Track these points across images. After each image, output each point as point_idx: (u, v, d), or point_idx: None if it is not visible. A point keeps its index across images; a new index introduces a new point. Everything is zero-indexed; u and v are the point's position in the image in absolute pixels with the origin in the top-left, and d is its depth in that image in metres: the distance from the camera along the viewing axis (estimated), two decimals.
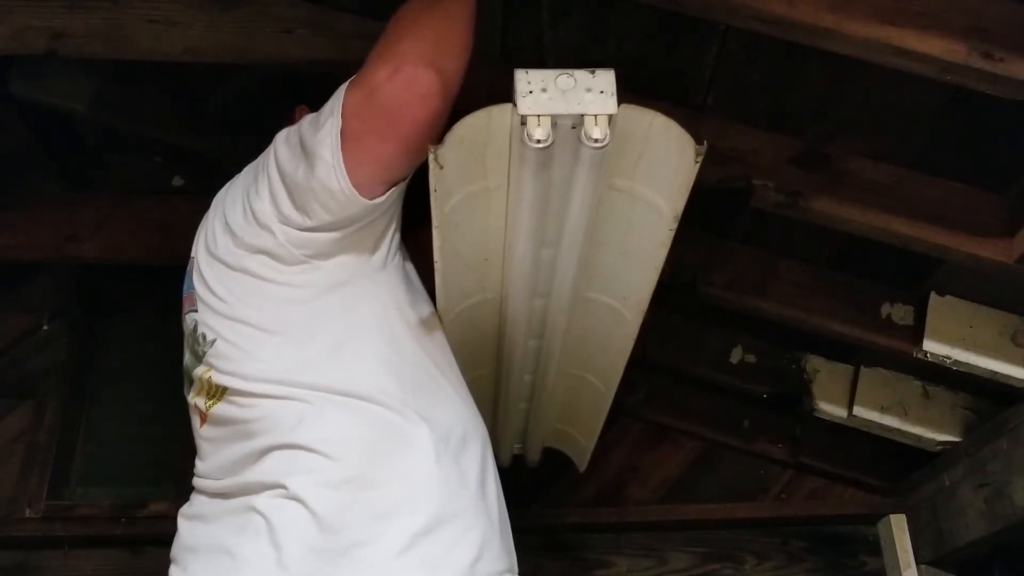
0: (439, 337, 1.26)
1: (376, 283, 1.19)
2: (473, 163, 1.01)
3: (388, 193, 1.11)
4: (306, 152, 1.10)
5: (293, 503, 1.05)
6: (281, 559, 1.02)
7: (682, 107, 1.47)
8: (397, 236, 1.23)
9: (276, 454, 1.09)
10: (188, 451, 1.26)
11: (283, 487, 1.05)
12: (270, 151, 1.17)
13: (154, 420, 2.09)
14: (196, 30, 1.42)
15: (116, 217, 1.91)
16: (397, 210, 1.21)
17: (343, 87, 1.09)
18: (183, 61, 1.45)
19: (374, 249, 1.19)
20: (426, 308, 1.26)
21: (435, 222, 1.06)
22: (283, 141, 1.16)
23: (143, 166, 2.08)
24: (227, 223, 1.19)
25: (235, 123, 1.82)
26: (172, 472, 1.93)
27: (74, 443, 2.17)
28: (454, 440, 1.15)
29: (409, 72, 1.04)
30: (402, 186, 1.14)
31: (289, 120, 1.25)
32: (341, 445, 1.08)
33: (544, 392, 1.55)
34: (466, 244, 1.16)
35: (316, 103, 1.15)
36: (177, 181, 2.07)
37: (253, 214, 1.15)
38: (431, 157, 0.96)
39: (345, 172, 1.07)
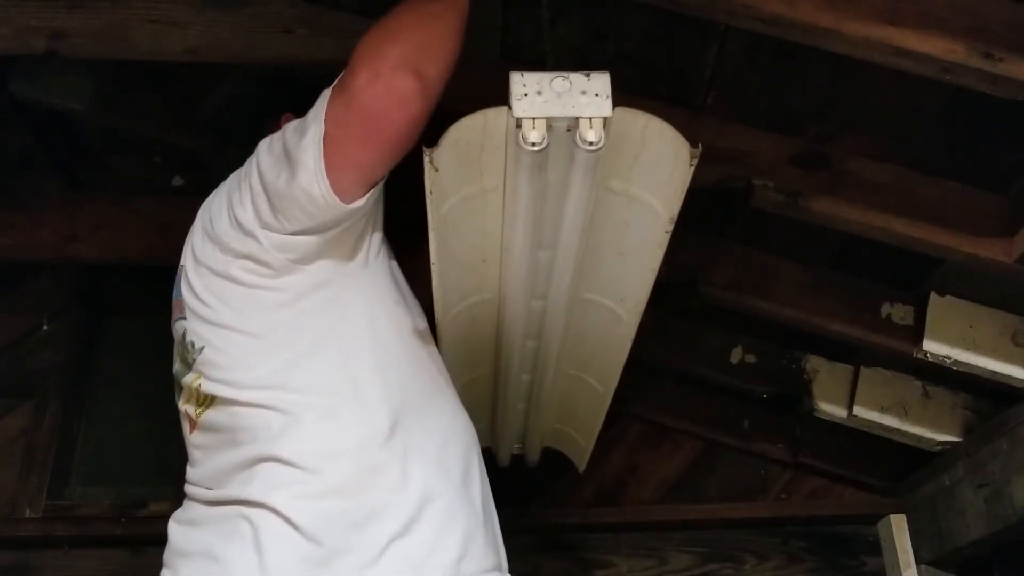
0: (426, 335, 1.27)
1: (359, 281, 1.19)
2: (469, 165, 1.01)
3: (367, 196, 1.11)
4: (289, 159, 1.09)
5: (277, 516, 1.05)
6: (263, 564, 1.03)
7: (682, 107, 1.47)
8: (378, 235, 1.23)
9: (260, 467, 1.09)
10: (187, 454, 1.26)
11: (266, 504, 1.06)
12: (253, 159, 1.17)
13: (154, 420, 2.07)
14: (196, 30, 1.42)
15: (116, 217, 1.91)
16: (378, 210, 1.21)
17: (327, 92, 1.09)
18: (183, 61, 1.45)
19: (355, 249, 1.19)
20: (414, 308, 1.26)
21: (431, 224, 1.05)
22: (265, 150, 1.15)
23: (143, 166, 2.08)
24: (213, 231, 1.19)
25: (234, 124, 1.81)
26: (172, 472, 1.90)
27: (74, 443, 2.17)
28: (437, 437, 1.16)
29: (388, 77, 1.03)
30: (380, 187, 1.14)
31: (274, 127, 1.24)
32: (321, 458, 1.09)
33: (542, 392, 1.55)
34: (463, 245, 1.16)
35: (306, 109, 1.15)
36: (177, 181, 2.07)
37: (238, 222, 1.16)
38: (426, 160, 0.96)
39: (326, 178, 1.06)
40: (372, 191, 1.12)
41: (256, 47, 1.43)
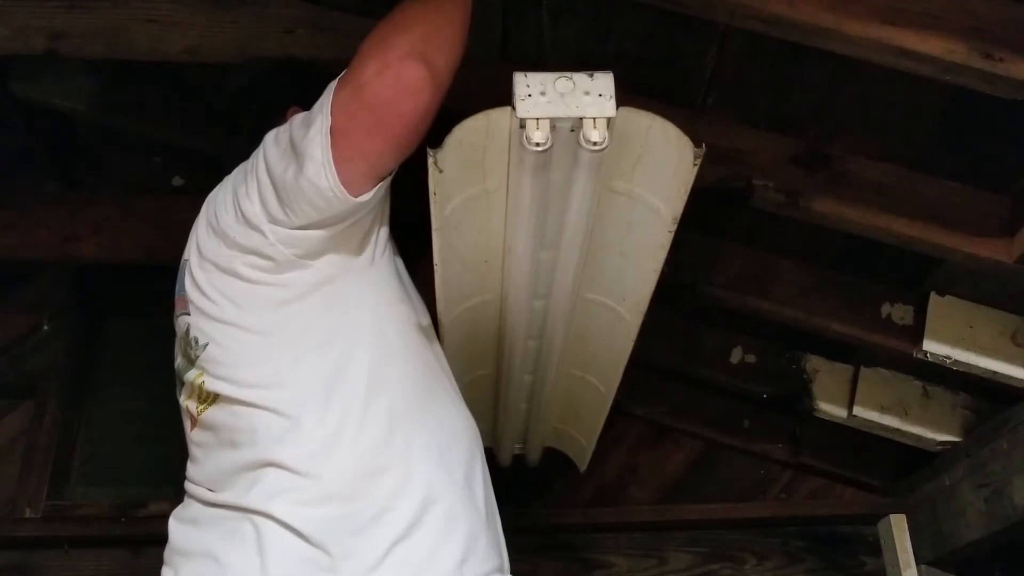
0: (430, 333, 1.26)
1: (365, 278, 1.19)
2: (472, 166, 1.01)
3: (375, 190, 1.10)
4: (296, 152, 1.09)
5: (278, 524, 1.05)
6: (265, 567, 1.03)
7: (682, 107, 1.47)
8: (385, 231, 1.23)
9: (259, 473, 1.09)
10: (187, 452, 1.26)
11: (266, 513, 1.06)
12: (259, 152, 1.16)
13: (154, 420, 2.08)
14: (196, 30, 1.43)
15: (116, 217, 1.90)
16: (385, 206, 1.20)
17: (333, 84, 1.08)
18: (183, 61, 1.45)
19: (362, 245, 1.18)
20: (418, 305, 1.26)
21: (434, 225, 1.06)
22: (272, 142, 1.15)
23: (143, 166, 2.09)
24: (219, 224, 1.18)
25: (236, 122, 1.82)
26: (172, 472, 1.91)
27: (74, 443, 2.17)
28: (440, 436, 1.16)
29: (397, 67, 1.03)
30: (388, 182, 1.13)
31: (281, 121, 1.24)
32: (321, 463, 1.08)
33: (544, 392, 1.56)
34: (466, 246, 1.16)
35: (315, 102, 1.15)
36: (177, 181, 2.07)
37: (244, 215, 1.15)
38: (430, 161, 0.96)
39: (334, 170, 1.06)
40: (380, 185, 1.11)
41: (256, 47, 1.43)
